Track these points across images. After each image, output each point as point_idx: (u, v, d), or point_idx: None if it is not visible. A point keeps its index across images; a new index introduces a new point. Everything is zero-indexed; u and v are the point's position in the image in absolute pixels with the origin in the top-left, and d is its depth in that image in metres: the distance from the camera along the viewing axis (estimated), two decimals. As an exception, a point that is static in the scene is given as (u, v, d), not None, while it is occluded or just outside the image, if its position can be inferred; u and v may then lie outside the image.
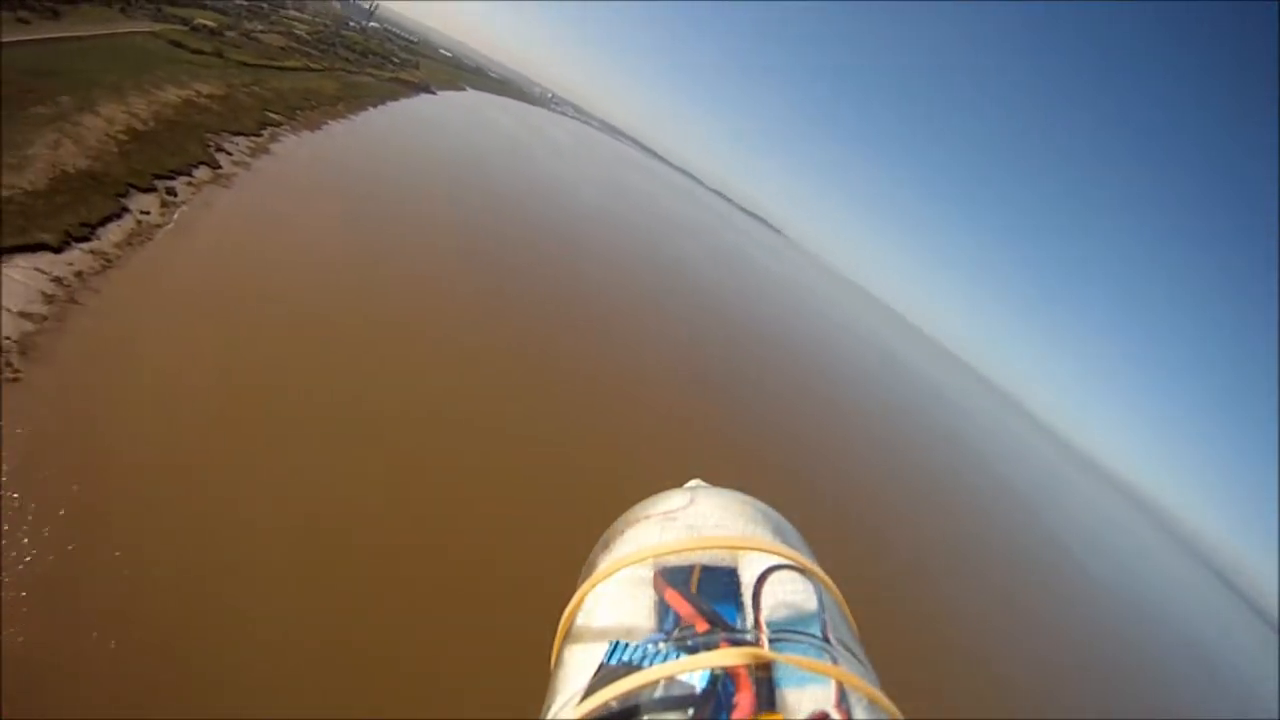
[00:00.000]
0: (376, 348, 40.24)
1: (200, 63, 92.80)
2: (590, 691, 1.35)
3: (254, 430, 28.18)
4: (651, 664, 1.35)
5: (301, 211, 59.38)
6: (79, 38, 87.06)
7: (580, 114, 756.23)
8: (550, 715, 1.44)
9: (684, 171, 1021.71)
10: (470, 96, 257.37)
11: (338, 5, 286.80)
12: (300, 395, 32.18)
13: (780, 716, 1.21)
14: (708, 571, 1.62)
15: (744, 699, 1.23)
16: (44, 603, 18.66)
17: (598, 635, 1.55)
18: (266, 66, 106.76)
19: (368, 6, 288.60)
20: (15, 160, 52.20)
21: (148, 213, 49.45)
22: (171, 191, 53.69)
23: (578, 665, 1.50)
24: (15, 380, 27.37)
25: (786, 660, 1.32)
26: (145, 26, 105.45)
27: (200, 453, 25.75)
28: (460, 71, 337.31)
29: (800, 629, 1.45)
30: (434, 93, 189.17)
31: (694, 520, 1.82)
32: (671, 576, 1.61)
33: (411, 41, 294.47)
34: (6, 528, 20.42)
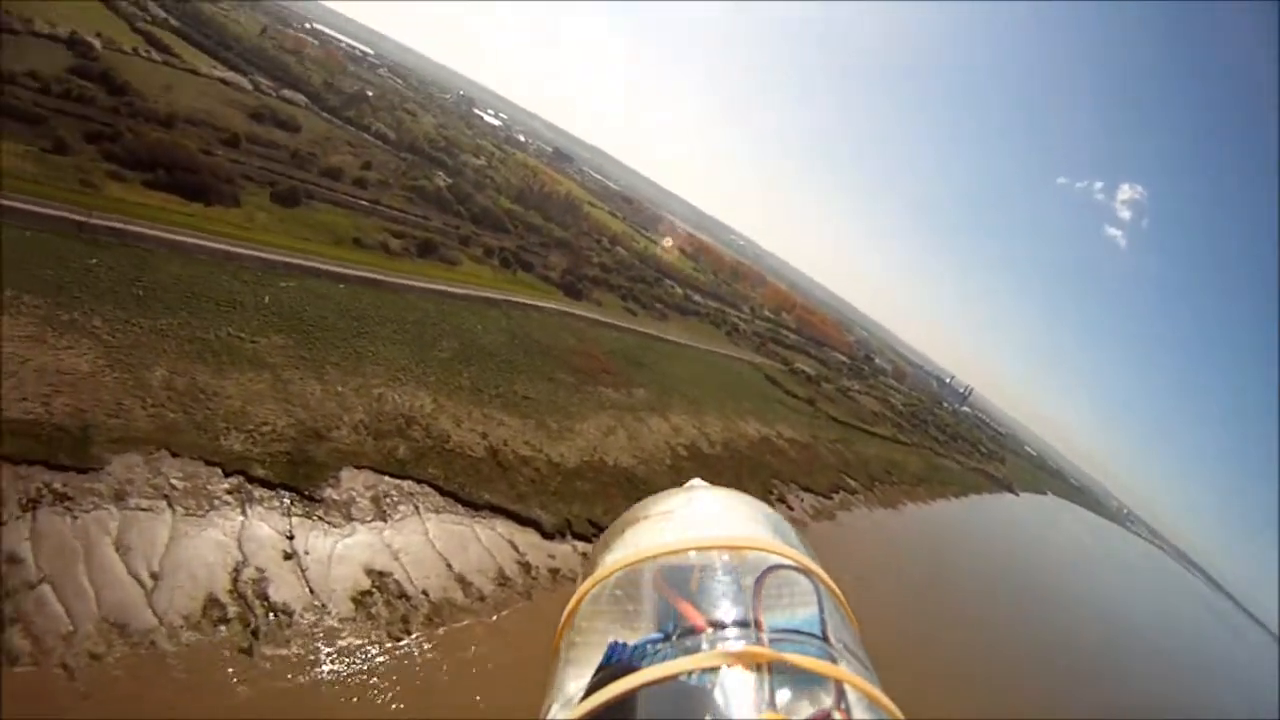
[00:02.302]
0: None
1: (790, 405, 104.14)
2: (590, 692, 1.47)
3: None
4: (651, 664, 1.46)
5: (851, 591, 56.11)
6: (679, 344, 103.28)
7: (1155, 537, 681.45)
8: (550, 715, 1.57)
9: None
10: (1049, 501, 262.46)
11: (935, 384, 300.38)
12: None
13: (780, 716, 1.34)
14: (707, 571, 1.75)
15: (744, 699, 1.36)
16: None
17: (598, 635, 1.69)
18: (856, 428, 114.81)
19: (963, 391, 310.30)
20: (559, 427, 55.34)
21: None
22: None
23: (578, 665, 1.66)
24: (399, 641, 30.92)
25: (786, 660, 1.44)
26: (747, 355, 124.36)
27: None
28: (1042, 473, 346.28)
29: (800, 629, 1.60)
30: (1016, 493, 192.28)
31: (694, 520, 1.96)
32: (671, 576, 1.75)
33: (1000, 433, 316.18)
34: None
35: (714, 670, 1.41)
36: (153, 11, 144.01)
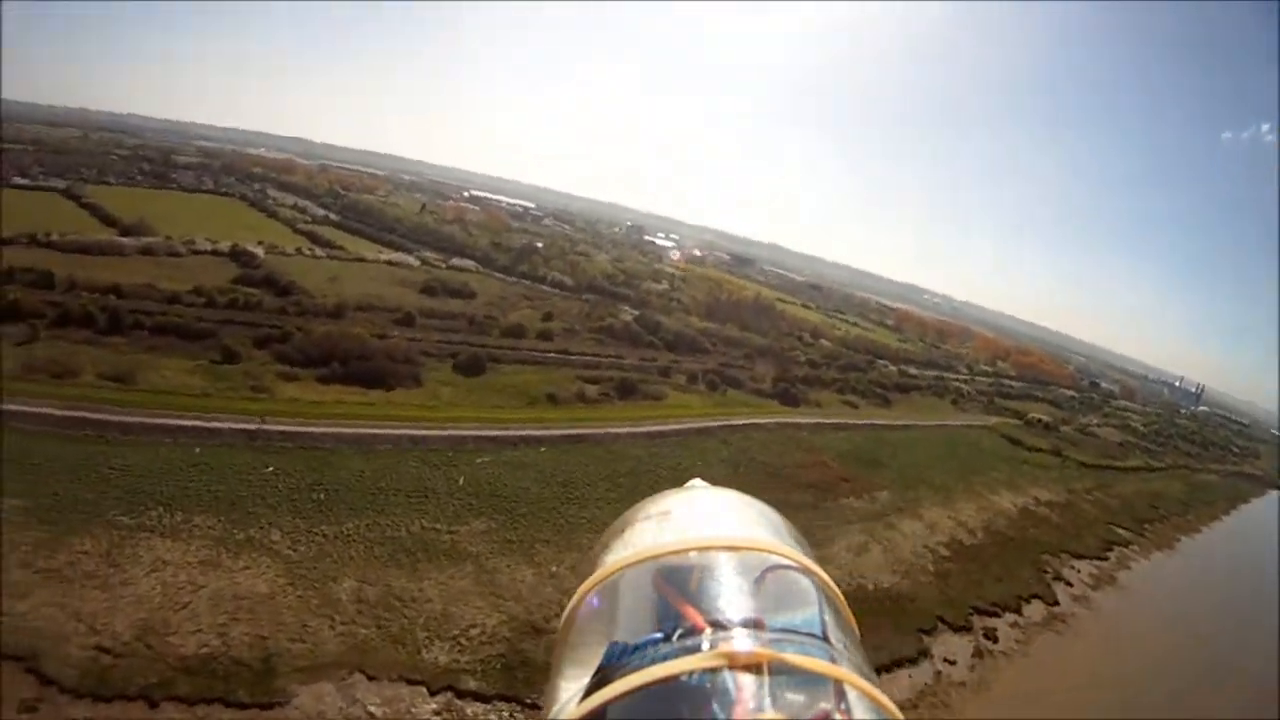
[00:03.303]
0: None
1: (1036, 462, 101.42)
2: (590, 692, 1.50)
3: None
4: (651, 664, 1.47)
5: (1157, 686, 49.81)
6: (909, 427, 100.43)
7: None
8: (550, 715, 1.60)
9: None
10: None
11: (1165, 392, 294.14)
12: None
13: (780, 717, 1.34)
14: (707, 571, 1.76)
15: (744, 699, 1.37)
16: None
17: (598, 636, 1.70)
18: (1107, 467, 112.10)
19: (1194, 391, 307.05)
20: (816, 557, 55.76)
21: (953, 662, 44.95)
22: (990, 635, 49.29)
23: (578, 666, 1.67)
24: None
25: (786, 660, 1.46)
26: (978, 419, 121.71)
27: None
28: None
29: (800, 629, 1.61)
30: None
31: (693, 520, 1.99)
32: (671, 576, 1.76)
33: (1244, 425, 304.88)
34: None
35: (714, 670, 1.43)
36: (312, 212, 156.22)
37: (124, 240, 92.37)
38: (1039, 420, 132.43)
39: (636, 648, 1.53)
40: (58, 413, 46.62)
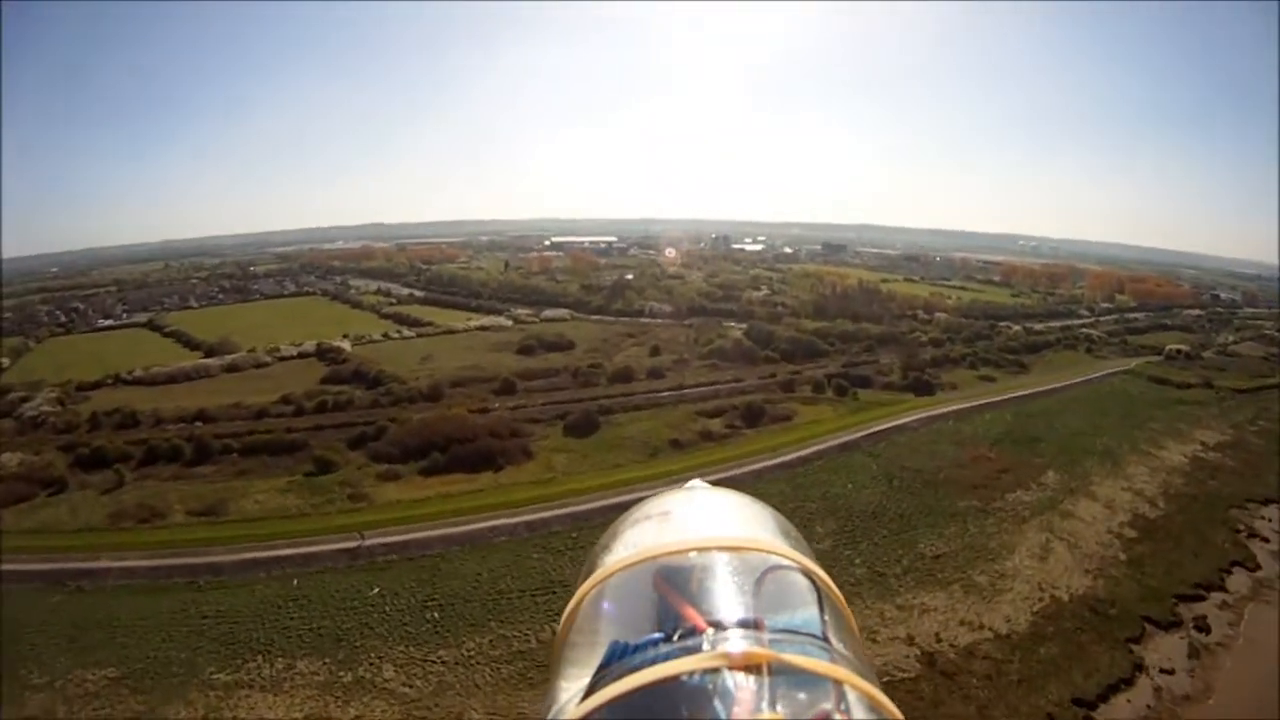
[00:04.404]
0: None
1: (1190, 399, 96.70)
2: (590, 692, 1.53)
3: None
4: (652, 665, 1.50)
5: None
6: (1052, 390, 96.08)
7: None
8: (550, 716, 1.63)
9: None
10: None
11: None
12: None
13: (780, 716, 1.37)
14: (707, 572, 1.80)
15: (744, 699, 1.40)
16: None
17: (598, 636, 1.74)
18: (1260, 389, 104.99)
19: None
20: (988, 579, 46.57)
21: (1170, 671, 39.86)
22: (1201, 626, 44.12)
23: (578, 666, 1.70)
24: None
25: (786, 660, 1.49)
26: (1118, 365, 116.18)
27: None
28: None
29: (800, 629, 1.65)
30: None
31: (694, 520, 2.05)
32: (671, 577, 1.80)
33: None
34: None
35: (714, 671, 1.45)
36: (396, 293, 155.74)
37: (209, 362, 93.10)
38: (1178, 351, 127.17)
39: (637, 648, 1.58)
40: (145, 564, 44.83)
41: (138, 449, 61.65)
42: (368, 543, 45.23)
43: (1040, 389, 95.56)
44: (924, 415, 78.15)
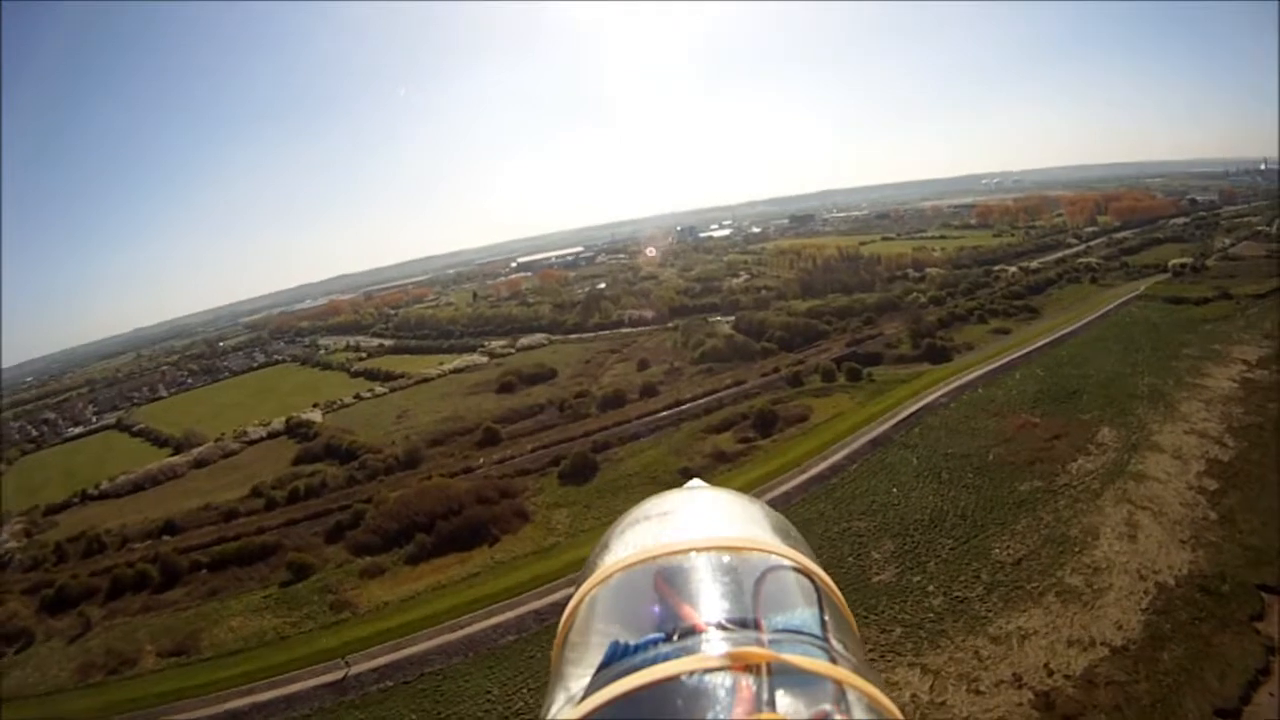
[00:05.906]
0: None
1: (1213, 314, 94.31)
2: (590, 692, 1.56)
3: None
4: (652, 664, 1.53)
5: None
6: (1073, 332, 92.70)
7: None
8: (550, 715, 1.66)
9: None
10: None
11: (1258, 180, 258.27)
12: None
13: (780, 716, 1.41)
14: (707, 572, 1.84)
15: (744, 699, 1.43)
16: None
17: (598, 636, 1.77)
18: (1278, 289, 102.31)
19: None
20: (1082, 577, 41.30)
21: None
22: None
23: (578, 666, 1.73)
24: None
25: (786, 660, 1.52)
26: (1128, 290, 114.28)
27: None
28: None
29: (800, 629, 1.70)
30: None
31: (693, 520, 2.07)
32: (671, 577, 1.83)
33: None
34: None
35: (714, 671, 1.48)
36: (366, 346, 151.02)
37: (175, 460, 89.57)
38: (1183, 266, 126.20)
39: (637, 648, 1.62)
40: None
41: (104, 580, 57.65)
42: (355, 670, 39.48)
43: (1061, 333, 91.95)
44: (949, 388, 73.37)
